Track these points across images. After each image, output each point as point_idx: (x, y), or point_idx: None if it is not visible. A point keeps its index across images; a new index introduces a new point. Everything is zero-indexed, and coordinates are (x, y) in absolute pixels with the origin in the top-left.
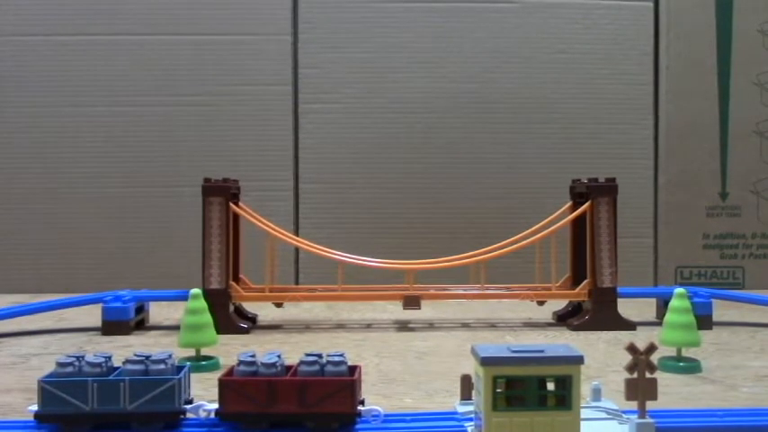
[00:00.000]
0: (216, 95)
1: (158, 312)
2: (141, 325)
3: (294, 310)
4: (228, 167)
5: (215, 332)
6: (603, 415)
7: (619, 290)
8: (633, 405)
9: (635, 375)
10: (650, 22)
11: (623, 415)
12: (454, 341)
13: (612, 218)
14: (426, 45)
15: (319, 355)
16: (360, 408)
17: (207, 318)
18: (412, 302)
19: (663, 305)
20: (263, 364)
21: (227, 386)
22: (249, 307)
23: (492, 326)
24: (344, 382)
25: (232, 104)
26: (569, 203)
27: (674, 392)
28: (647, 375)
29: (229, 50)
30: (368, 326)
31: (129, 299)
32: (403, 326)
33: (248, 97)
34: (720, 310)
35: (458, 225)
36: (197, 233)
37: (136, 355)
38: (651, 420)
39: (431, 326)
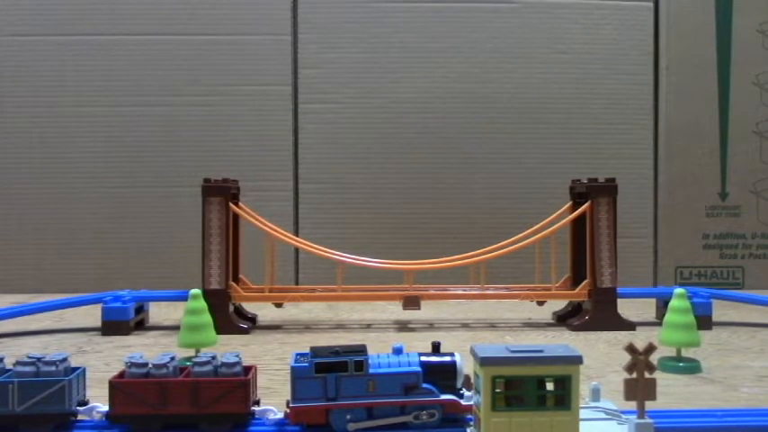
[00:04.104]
0: (216, 95)
1: (158, 312)
2: (141, 325)
3: (294, 311)
4: (228, 167)
5: (215, 332)
6: (603, 415)
7: (618, 290)
8: (632, 405)
9: (634, 375)
10: (650, 22)
11: (622, 415)
12: (454, 341)
13: (612, 218)
14: (426, 45)
15: (214, 356)
16: (254, 408)
17: (207, 318)
18: (412, 303)
19: (663, 305)
20: (154, 365)
21: (117, 388)
22: (249, 307)
23: (492, 326)
24: (237, 382)
25: (232, 104)
26: (569, 203)
27: (673, 393)
28: (647, 375)
29: (229, 50)
30: (368, 326)
31: (129, 299)
32: (403, 326)
33: (248, 97)
34: (720, 310)
35: (458, 225)
36: (197, 233)
37: (28, 356)
38: (650, 420)
39: (431, 326)
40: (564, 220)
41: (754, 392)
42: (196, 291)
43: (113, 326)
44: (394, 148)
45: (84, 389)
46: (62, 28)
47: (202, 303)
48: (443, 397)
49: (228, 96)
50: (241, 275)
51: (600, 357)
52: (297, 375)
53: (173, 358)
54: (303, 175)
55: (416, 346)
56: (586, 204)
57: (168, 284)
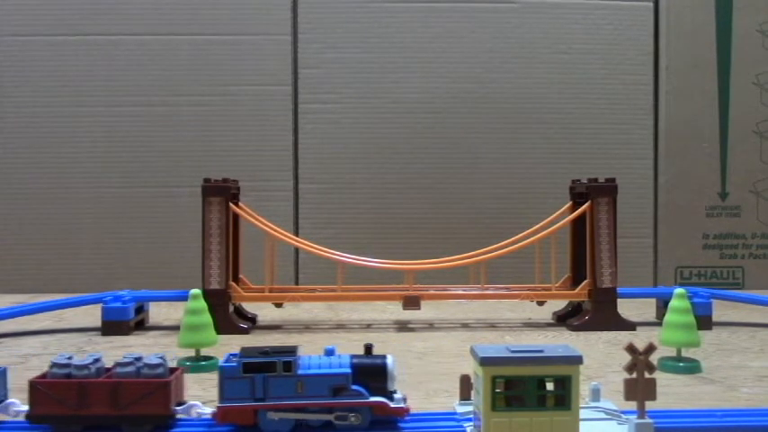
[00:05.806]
0: (216, 95)
1: (158, 312)
2: (141, 325)
3: (294, 311)
4: (228, 167)
5: (215, 332)
6: (602, 415)
7: (618, 290)
8: (632, 405)
9: (634, 376)
10: (650, 22)
11: (622, 415)
12: (454, 341)
13: (612, 218)
14: (426, 45)
15: (138, 357)
16: (177, 409)
17: (207, 318)
18: (412, 303)
19: (663, 305)
20: (75, 366)
21: (37, 388)
22: (249, 307)
23: (492, 326)
24: (158, 384)
25: (232, 104)
26: (569, 203)
27: (673, 393)
28: (647, 376)
29: (229, 50)
30: (368, 326)
31: (129, 299)
32: (403, 326)
33: (248, 97)
34: (720, 310)
35: (458, 225)
36: (196, 233)
37: None
38: (650, 421)
39: (431, 326)
40: (564, 220)
41: (754, 392)
42: (196, 291)
43: (113, 326)
44: (394, 148)
45: (5, 388)
46: (62, 28)
47: (202, 303)
48: (372, 399)
49: (228, 96)
50: (241, 275)
51: (600, 357)
52: (225, 375)
53: (97, 359)
54: (303, 175)
55: (416, 347)
56: (586, 204)
57: (168, 284)
